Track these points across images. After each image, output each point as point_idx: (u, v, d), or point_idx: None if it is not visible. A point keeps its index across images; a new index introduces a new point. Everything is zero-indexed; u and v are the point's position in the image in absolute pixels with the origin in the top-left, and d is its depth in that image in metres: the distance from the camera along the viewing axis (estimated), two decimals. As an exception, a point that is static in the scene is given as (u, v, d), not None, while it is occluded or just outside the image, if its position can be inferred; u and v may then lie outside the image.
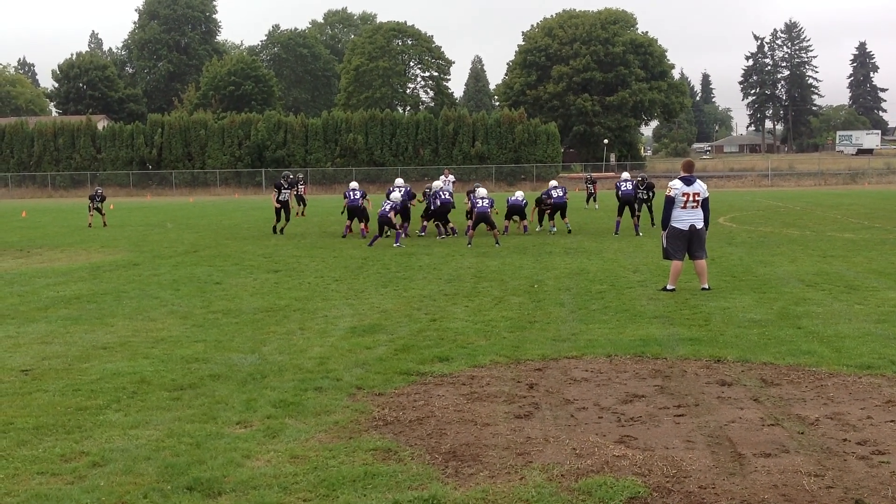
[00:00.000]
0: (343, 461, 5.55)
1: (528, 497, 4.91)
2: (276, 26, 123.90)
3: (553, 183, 25.16)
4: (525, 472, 5.33)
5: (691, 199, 12.67)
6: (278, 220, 25.76)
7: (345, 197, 24.78)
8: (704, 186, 12.90)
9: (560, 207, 24.15)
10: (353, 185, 24.90)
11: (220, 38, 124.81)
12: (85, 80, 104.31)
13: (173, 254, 20.00)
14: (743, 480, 5.13)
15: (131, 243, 23.14)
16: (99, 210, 31.24)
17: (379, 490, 5.05)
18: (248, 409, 6.79)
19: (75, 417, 6.62)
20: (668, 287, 12.76)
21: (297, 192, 36.20)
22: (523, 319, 10.73)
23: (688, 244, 12.76)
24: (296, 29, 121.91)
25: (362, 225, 24.04)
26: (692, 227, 12.69)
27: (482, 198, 21.77)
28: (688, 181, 12.76)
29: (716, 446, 5.78)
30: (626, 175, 25.01)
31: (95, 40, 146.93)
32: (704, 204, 12.79)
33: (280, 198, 25.46)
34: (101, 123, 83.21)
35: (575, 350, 8.89)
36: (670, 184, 12.99)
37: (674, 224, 12.77)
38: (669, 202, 12.81)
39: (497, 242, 20.93)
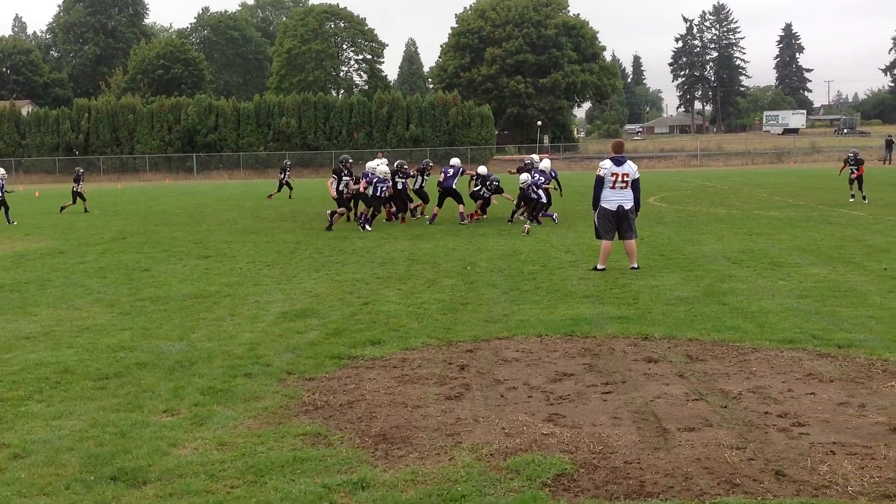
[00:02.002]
0: (272, 447, 5.51)
1: (457, 477, 4.94)
2: (206, 9, 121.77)
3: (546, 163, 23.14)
4: (454, 452, 5.36)
5: (620, 179, 12.69)
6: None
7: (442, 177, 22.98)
8: (635, 167, 12.97)
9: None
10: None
11: (147, 20, 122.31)
12: (8, 64, 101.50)
13: (100, 241, 19.61)
14: (667, 454, 5.22)
15: (57, 231, 22.62)
16: (81, 195, 29.78)
17: (308, 475, 5.03)
18: (176, 396, 6.70)
19: (-4, 409, 6.47)
20: (599, 267, 12.87)
21: (284, 177, 36.48)
22: (455, 301, 10.76)
23: (616, 225, 12.84)
24: (226, 11, 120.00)
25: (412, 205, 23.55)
26: (620, 207, 12.73)
27: (451, 167, 21.69)
28: (618, 161, 12.80)
29: (641, 422, 5.88)
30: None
31: (19, 24, 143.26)
32: (634, 185, 12.82)
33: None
34: (26, 109, 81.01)
35: (506, 331, 8.95)
36: (600, 164, 13.07)
37: (602, 204, 12.84)
38: (599, 182, 12.84)
39: (462, 220, 21.28)
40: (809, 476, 4.83)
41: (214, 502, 4.69)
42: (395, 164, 22.55)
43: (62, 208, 30.00)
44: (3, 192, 25.39)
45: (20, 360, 8.01)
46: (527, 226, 19.07)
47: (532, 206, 21.00)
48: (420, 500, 4.64)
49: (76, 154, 71.61)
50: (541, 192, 21.20)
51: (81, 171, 31.66)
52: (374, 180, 20.95)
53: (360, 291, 11.74)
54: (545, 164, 22.78)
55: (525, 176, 21.21)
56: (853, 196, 25.68)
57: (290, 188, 36.34)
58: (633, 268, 12.84)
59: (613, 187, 12.74)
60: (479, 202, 22.48)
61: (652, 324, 9.04)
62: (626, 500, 4.58)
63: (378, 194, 21.10)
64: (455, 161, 23.00)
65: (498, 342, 8.49)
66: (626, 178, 12.72)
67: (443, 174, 22.35)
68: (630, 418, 5.97)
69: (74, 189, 30.03)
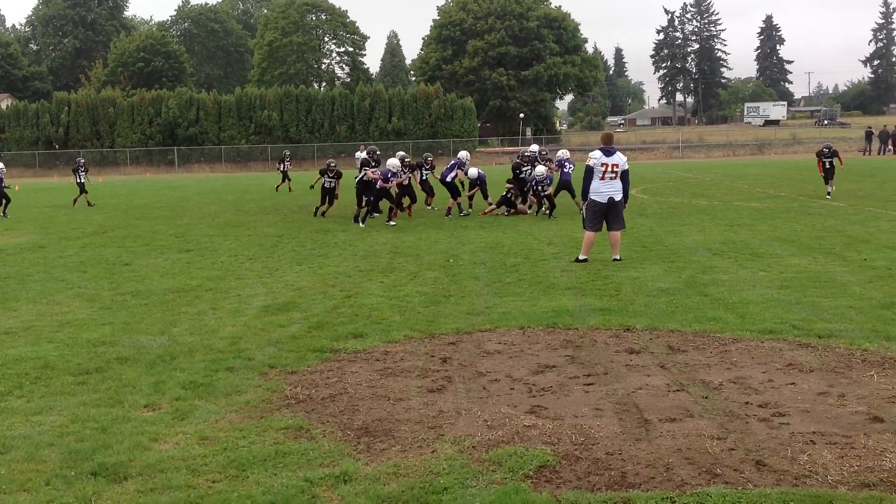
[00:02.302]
0: (253, 441, 5.50)
1: (439, 469, 4.94)
2: (186, 1, 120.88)
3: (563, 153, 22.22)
4: (437, 445, 5.36)
5: (610, 169, 12.66)
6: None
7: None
8: (624, 158, 12.93)
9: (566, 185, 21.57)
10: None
11: (127, 13, 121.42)
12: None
13: (81, 235, 19.48)
14: (649, 445, 5.24)
15: (37, 225, 22.47)
16: (82, 185, 29.16)
17: (290, 468, 5.02)
18: (157, 391, 6.67)
19: (-25, 405, 6.42)
20: (581, 257, 12.91)
21: (283, 168, 35.97)
22: (438, 294, 10.76)
23: (605, 216, 12.83)
24: (206, 4, 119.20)
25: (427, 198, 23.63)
26: (611, 199, 12.71)
27: (457, 158, 21.68)
28: (607, 152, 12.77)
29: (623, 413, 5.89)
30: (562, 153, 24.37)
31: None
32: (624, 176, 12.79)
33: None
34: (5, 102, 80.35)
35: (489, 323, 8.95)
36: (590, 154, 13.06)
37: (592, 196, 12.80)
38: (589, 172, 12.82)
39: (447, 214, 21.25)
40: (790, 466, 4.86)
41: (196, 497, 4.67)
42: (397, 158, 21.90)
43: (74, 201, 29.52)
44: (2, 186, 25.35)
45: (0, 356, 7.96)
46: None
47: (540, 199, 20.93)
48: (402, 493, 4.64)
49: (56, 148, 71.06)
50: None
51: (83, 160, 31.24)
52: (388, 174, 20.50)
53: (342, 284, 11.72)
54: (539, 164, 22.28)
55: (542, 169, 20.72)
56: (829, 194, 23.99)
57: (289, 179, 35.59)
58: (615, 259, 12.86)
59: (603, 178, 12.69)
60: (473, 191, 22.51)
61: (634, 315, 9.06)
62: (607, 492, 4.59)
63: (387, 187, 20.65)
64: (462, 154, 22.80)
65: (480, 334, 8.49)
66: (615, 169, 12.68)
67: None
68: (612, 409, 5.99)
69: (77, 180, 29.51)
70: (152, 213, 25.96)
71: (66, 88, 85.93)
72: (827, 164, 24.37)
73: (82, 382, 6.99)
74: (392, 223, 19.90)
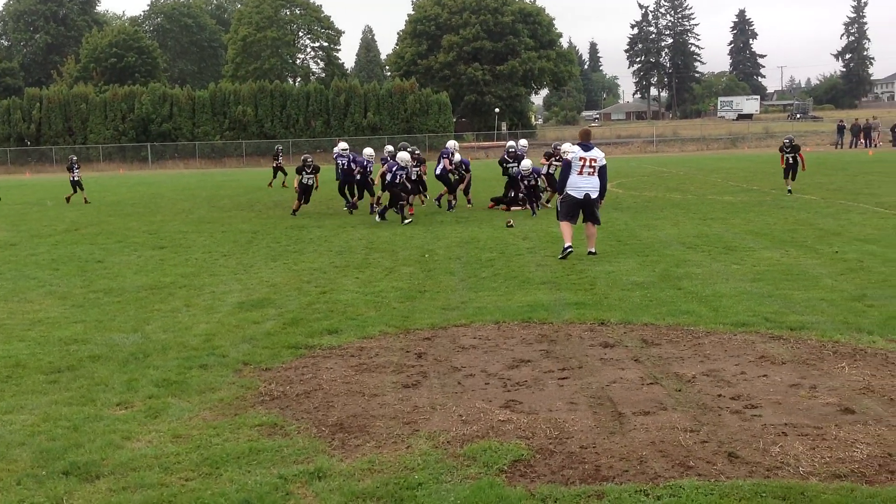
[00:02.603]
0: (227, 438, 5.47)
1: (414, 465, 4.94)
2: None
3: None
4: (411, 440, 5.36)
5: (588, 164, 12.54)
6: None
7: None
8: (602, 154, 12.82)
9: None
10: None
11: (99, 8, 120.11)
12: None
13: (53, 232, 19.31)
14: (622, 438, 5.26)
15: (8, 222, 22.22)
16: (78, 183, 28.85)
17: (264, 466, 5.00)
18: (129, 389, 6.62)
19: (-55, 405, 6.35)
20: (566, 245, 12.64)
21: (278, 163, 35.38)
22: (413, 289, 10.75)
23: (581, 211, 12.80)
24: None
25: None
26: (587, 196, 12.63)
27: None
28: (585, 147, 12.68)
29: (597, 407, 5.92)
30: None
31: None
32: (602, 172, 12.69)
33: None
34: (-25, 98, 79.37)
35: (464, 318, 8.96)
36: (569, 148, 13.00)
37: (569, 190, 12.71)
38: (566, 166, 12.78)
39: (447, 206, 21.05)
40: (762, 457, 4.90)
41: (168, 495, 4.64)
42: (407, 151, 20.89)
43: (68, 199, 29.15)
44: None
45: (-30, 355, 7.88)
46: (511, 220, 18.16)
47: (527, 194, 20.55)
48: (377, 489, 4.63)
49: (28, 144, 70.40)
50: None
51: (75, 157, 30.85)
52: (394, 168, 19.63)
53: (317, 280, 11.69)
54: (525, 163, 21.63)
55: (527, 163, 20.57)
56: (790, 191, 23.15)
57: (285, 174, 34.32)
58: (590, 252, 12.85)
59: (581, 173, 12.57)
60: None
61: (608, 309, 9.10)
62: (581, 485, 4.61)
63: (396, 181, 19.55)
64: (449, 144, 22.56)
65: (455, 329, 8.50)
66: (593, 164, 12.56)
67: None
68: (586, 403, 6.01)
69: (72, 178, 29.23)
70: (125, 209, 25.77)
71: (38, 84, 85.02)
72: (789, 158, 23.53)
73: (54, 381, 6.93)
74: (408, 220, 18.89)
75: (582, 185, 12.62)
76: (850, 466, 4.73)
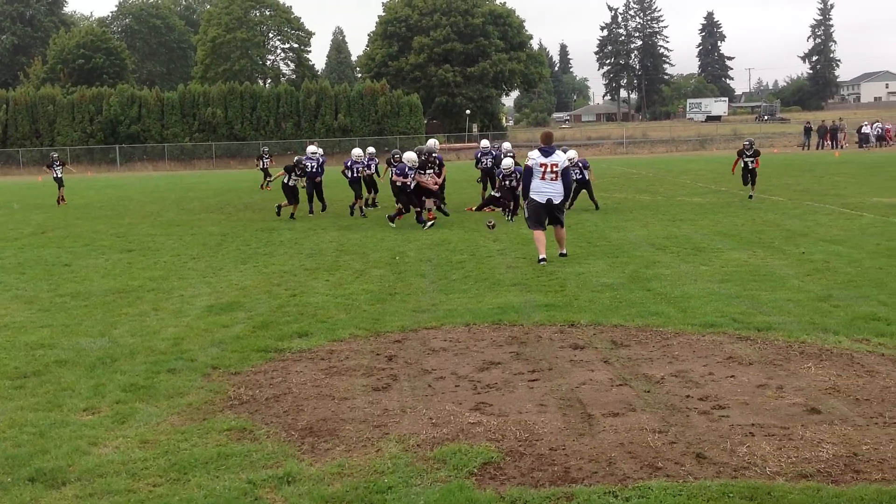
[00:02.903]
0: (196, 443, 5.43)
1: (384, 468, 4.93)
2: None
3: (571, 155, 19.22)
4: (381, 443, 5.35)
5: (549, 169, 12.40)
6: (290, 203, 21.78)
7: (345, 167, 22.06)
8: (563, 157, 12.71)
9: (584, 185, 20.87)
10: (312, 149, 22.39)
11: (67, 9, 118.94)
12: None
13: (19, 236, 19.09)
14: (592, 440, 5.29)
15: (-26, 226, 21.95)
16: (61, 181, 28.69)
17: (232, 471, 4.97)
18: (97, 394, 6.56)
19: None
20: (540, 257, 12.37)
21: (263, 166, 34.92)
22: (384, 292, 10.74)
23: (547, 215, 12.67)
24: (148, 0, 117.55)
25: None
26: (549, 200, 12.47)
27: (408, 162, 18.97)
28: (546, 152, 12.51)
29: (567, 408, 5.94)
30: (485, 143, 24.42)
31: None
32: (565, 174, 12.56)
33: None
34: (-61, 100, 78.23)
35: (434, 320, 8.96)
36: (529, 154, 12.85)
37: (532, 195, 12.58)
38: (527, 172, 12.65)
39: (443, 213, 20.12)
40: (729, 458, 4.94)
41: (136, 501, 4.60)
42: (413, 152, 20.14)
43: (58, 200, 28.94)
44: None
45: (-67, 361, 7.77)
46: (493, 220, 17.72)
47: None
48: (346, 493, 4.62)
49: (-7, 146, 69.55)
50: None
51: (56, 155, 30.74)
52: (405, 169, 18.71)
53: (287, 283, 11.64)
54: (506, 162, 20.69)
55: (508, 162, 19.93)
56: (751, 196, 21.85)
57: (269, 177, 33.60)
58: (561, 254, 12.85)
59: (543, 178, 12.44)
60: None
61: (578, 311, 9.13)
62: (551, 487, 4.62)
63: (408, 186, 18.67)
64: (430, 142, 22.23)
65: (426, 332, 8.50)
66: (555, 169, 12.40)
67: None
68: (556, 405, 6.03)
69: (54, 175, 29.26)
70: (93, 212, 25.54)
71: (4, 86, 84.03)
72: (750, 163, 22.05)
73: (20, 386, 6.85)
74: (393, 224, 18.64)
75: (544, 189, 12.46)
76: (816, 466, 4.78)
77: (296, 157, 21.90)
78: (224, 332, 8.63)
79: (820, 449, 5.02)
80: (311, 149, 22.59)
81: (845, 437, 5.20)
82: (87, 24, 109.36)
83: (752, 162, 22.04)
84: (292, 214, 21.04)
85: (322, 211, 22.15)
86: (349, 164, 21.54)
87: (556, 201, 12.49)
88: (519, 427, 5.56)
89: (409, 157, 19.09)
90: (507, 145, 22.96)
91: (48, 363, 7.54)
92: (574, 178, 18.04)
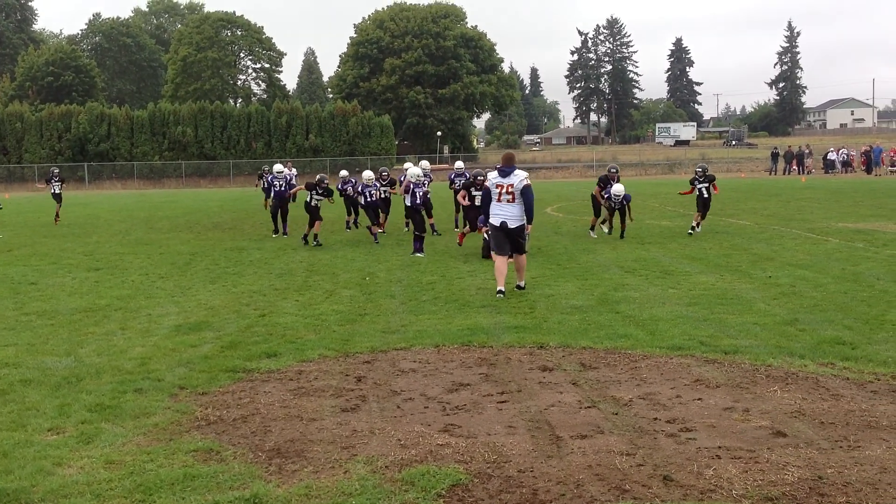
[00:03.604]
0: (161, 464, 5.38)
1: (352, 490, 4.91)
2: (98, 15, 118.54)
3: (618, 191, 19.08)
4: (349, 465, 5.33)
5: (505, 190, 11.72)
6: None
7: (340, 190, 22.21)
8: (521, 177, 11.75)
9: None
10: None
11: (36, 26, 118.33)
12: None
13: (-16, 253, 18.86)
14: (560, 462, 5.30)
15: (-62, 243, 21.66)
16: (59, 197, 28.06)
17: (198, 492, 4.92)
18: (61, 414, 6.48)
19: None
20: (498, 289, 11.64)
21: (265, 185, 31.86)
22: (354, 312, 10.72)
23: (506, 240, 11.84)
24: (118, 18, 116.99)
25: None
26: (504, 224, 11.72)
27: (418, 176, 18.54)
28: (503, 173, 11.86)
29: (535, 430, 5.95)
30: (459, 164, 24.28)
31: None
32: (525, 194, 11.72)
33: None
34: None
35: (404, 341, 8.95)
36: (488, 175, 12.30)
37: (490, 219, 11.99)
38: (486, 194, 12.11)
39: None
40: (696, 480, 4.96)
41: (100, 523, 4.55)
42: (420, 167, 19.60)
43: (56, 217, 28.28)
44: None
45: None
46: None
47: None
48: (314, 515, 4.59)
49: (-41, 163, 68.78)
50: None
51: (56, 170, 30.08)
52: (412, 186, 18.21)
53: (256, 303, 11.59)
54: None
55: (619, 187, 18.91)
56: (694, 228, 19.52)
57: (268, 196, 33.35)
58: (518, 286, 12.00)
59: (499, 200, 11.80)
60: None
61: (547, 333, 9.16)
62: (519, 509, 4.62)
63: (410, 203, 18.29)
64: (424, 163, 21.73)
65: (395, 353, 8.48)
66: (510, 190, 11.69)
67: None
68: (524, 427, 6.03)
69: (53, 191, 28.64)
70: (61, 230, 25.29)
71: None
72: (705, 191, 19.38)
73: (-17, 406, 6.76)
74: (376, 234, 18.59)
75: (497, 211, 11.81)
76: (781, 489, 4.82)
77: (318, 175, 20.81)
78: (192, 352, 8.57)
79: (785, 472, 5.07)
80: (277, 167, 22.43)
81: (811, 461, 5.25)
82: (57, 42, 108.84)
83: (707, 190, 19.33)
84: (316, 236, 19.34)
85: (283, 234, 21.52)
86: (360, 188, 20.45)
87: (512, 225, 11.74)
88: (487, 449, 5.56)
89: (414, 172, 18.71)
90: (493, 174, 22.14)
91: (13, 382, 7.45)
92: (614, 204, 18.94)
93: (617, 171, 20.02)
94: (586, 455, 5.40)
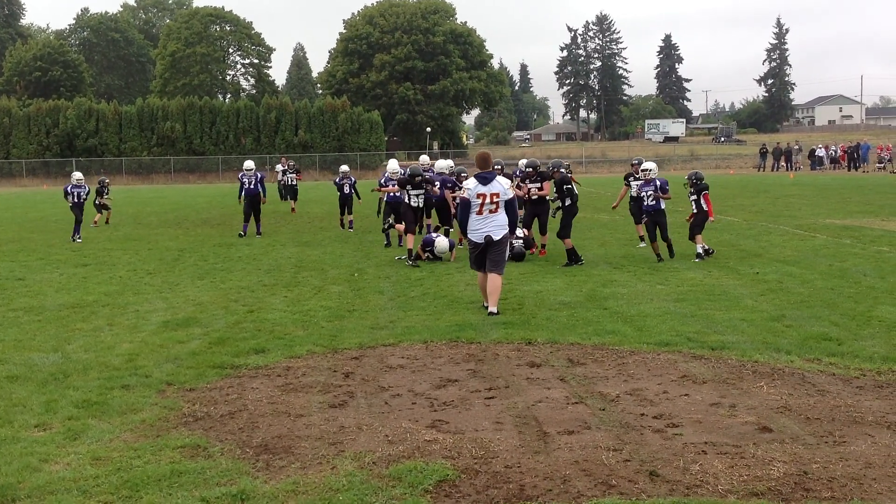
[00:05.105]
0: (149, 460, 5.38)
1: (339, 486, 4.92)
2: (86, 10, 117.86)
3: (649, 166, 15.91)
4: (337, 461, 5.33)
5: (489, 200, 10.16)
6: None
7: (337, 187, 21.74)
8: (506, 184, 10.40)
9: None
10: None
11: (24, 21, 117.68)
12: None
13: (-29, 249, 18.77)
14: (547, 458, 5.31)
15: (-76, 239, 21.56)
16: (105, 206, 25.20)
17: (185, 488, 4.92)
18: (48, 410, 6.47)
19: None
20: (485, 304, 10.40)
21: (290, 181, 31.07)
22: (342, 308, 10.71)
23: (485, 255, 10.29)
24: (107, 13, 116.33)
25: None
26: (488, 238, 10.15)
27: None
28: (484, 179, 10.25)
29: (523, 426, 5.96)
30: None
31: None
32: (509, 206, 10.27)
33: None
34: None
35: (392, 337, 8.96)
36: (464, 184, 10.84)
37: (469, 234, 10.39)
38: (464, 205, 10.38)
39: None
40: (682, 476, 4.99)
41: (87, 519, 4.55)
42: (410, 169, 17.13)
43: (96, 221, 25.53)
44: None
45: None
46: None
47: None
48: (301, 511, 4.60)
49: (-54, 158, 68.37)
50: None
51: (107, 180, 27.10)
52: (447, 181, 17.20)
53: (245, 299, 11.58)
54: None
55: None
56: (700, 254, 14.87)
57: (283, 194, 31.97)
58: (490, 312, 10.02)
59: (481, 212, 10.18)
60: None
61: (535, 329, 9.18)
62: (506, 504, 4.64)
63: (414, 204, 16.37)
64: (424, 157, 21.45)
65: (384, 349, 8.49)
66: (495, 200, 10.16)
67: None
68: (512, 423, 6.05)
69: (97, 201, 25.28)
70: (48, 226, 25.20)
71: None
72: (694, 205, 15.32)
73: (-31, 403, 6.74)
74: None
75: (480, 226, 10.20)
76: (767, 484, 4.84)
77: (342, 168, 21.90)
78: (180, 348, 8.56)
79: (771, 467, 5.09)
80: (247, 164, 21.48)
81: (796, 456, 5.28)
82: (45, 37, 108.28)
83: (695, 202, 15.38)
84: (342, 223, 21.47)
85: (257, 235, 20.55)
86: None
87: (498, 236, 10.17)
88: (475, 445, 5.57)
89: (444, 164, 18.46)
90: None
91: (-1, 379, 7.43)
92: (648, 205, 15.22)
93: (640, 163, 17.01)
94: (573, 450, 5.42)
